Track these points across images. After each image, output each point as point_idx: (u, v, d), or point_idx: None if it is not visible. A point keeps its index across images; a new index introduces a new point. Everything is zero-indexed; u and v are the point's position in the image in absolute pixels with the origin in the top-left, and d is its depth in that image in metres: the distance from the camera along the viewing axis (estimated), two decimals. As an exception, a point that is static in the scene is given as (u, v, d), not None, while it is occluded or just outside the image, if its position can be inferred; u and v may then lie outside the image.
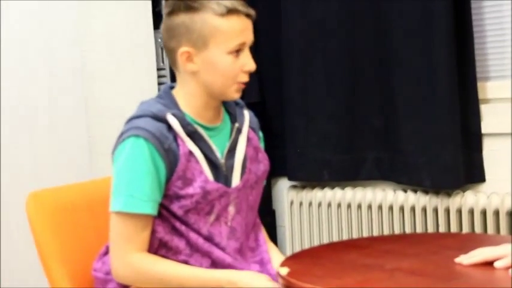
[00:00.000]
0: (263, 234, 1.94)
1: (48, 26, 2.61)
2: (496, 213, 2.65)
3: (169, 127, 1.74)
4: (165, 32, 1.79)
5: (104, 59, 2.74)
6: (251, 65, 1.78)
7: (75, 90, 2.67)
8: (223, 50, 1.74)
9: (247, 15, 1.77)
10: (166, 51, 1.81)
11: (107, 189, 1.77)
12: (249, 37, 1.78)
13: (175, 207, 1.74)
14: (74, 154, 2.67)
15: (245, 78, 1.79)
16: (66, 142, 2.65)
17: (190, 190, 1.72)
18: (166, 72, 2.94)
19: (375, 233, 2.89)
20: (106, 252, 1.84)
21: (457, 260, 1.65)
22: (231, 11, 1.73)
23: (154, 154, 1.71)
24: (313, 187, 3.07)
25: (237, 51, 1.75)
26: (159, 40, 2.94)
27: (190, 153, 1.74)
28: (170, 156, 1.72)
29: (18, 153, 2.54)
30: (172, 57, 1.80)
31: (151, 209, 1.72)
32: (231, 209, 1.80)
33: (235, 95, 1.81)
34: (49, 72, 2.62)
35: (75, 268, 1.89)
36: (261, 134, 1.96)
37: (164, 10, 1.80)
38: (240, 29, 1.75)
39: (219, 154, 1.79)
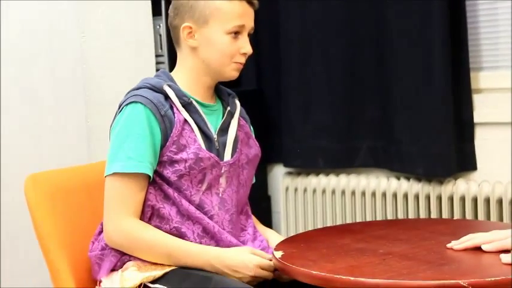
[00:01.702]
0: (253, 220, 1.97)
1: (48, 14, 2.62)
2: (487, 200, 2.68)
3: (166, 97, 1.81)
4: (171, 11, 1.88)
5: (103, 45, 2.74)
6: (248, 49, 1.85)
7: (74, 76, 2.68)
8: (222, 30, 1.82)
9: (249, 2, 1.85)
10: (171, 29, 1.89)
11: (103, 173, 1.80)
12: (248, 22, 1.85)
13: (169, 173, 1.78)
14: (73, 140, 2.68)
15: (242, 60, 1.87)
16: (65, 128, 2.66)
17: (184, 155, 1.78)
18: (165, 59, 2.95)
19: (368, 219, 2.92)
20: (101, 231, 1.86)
21: (449, 245, 1.68)
22: None
23: (151, 118, 1.77)
24: (308, 174, 3.10)
25: (236, 33, 1.83)
26: (158, 27, 2.96)
27: (185, 121, 1.81)
28: (166, 122, 1.78)
29: (17, 138, 2.55)
30: (175, 34, 1.88)
31: (147, 169, 1.76)
32: (222, 181, 1.85)
33: (233, 73, 1.88)
34: (49, 58, 2.62)
35: (73, 249, 1.91)
36: (252, 128, 2.00)
37: None
38: (240, 12, 1.83)
39: (212, 130, 1.85)
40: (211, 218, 1.82)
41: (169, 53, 2.93)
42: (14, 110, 2.55)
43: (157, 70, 2.88)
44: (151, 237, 1.77)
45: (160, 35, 2.96)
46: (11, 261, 2.51)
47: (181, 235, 1.79)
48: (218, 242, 1.81)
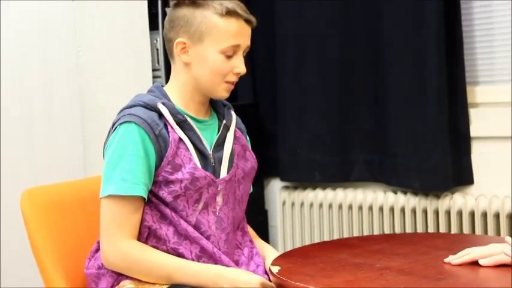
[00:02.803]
0: (249, 237, 1.96)
1: (45, 26, 2.62)
2: (484, 214, 2.69)
3: (160, 116, 1.79)
4: (167, 23, 1.86)
5: (100, 59, 2.75)
6: (241, 69, 1.83)
7: (70, 89, 2.68)
8: (216, 48, 1.79)
9: (247, 21, 1.82)
10: (166, 42, 1.87)
11: (99, 187, 1.79)
12: (244, 41, 1.82)
13: (165, 194, 1.76)
14: (69, 153, 2.68)
15: (234, 79, 1.84)
16: (61, 141, 2.66)
17: (179, 175, 1.76)
18: (161, 73, 2.96)
19: (365, 233, 2.92)
20: (97, 249, 1.85)
21: (446, 259, 1.68)
22: (230, 13, 1.78)
23: (145, 139, 1.75)
24: (305, 188, 3.10)
25: (230, 52, 1.80)
26: (155, 41, 2.97)
27: (180, 140, 1.78)
28: (160, 142, 1.76)
29: (13, 151, 2.54)
30: (169, 48, 1.86)
31: (142, 191, 1.75)
32: (219, 199, 1.83)
33: (223, 93, 1.85)
34: (45, 72, 2.62)
35: (68, 264, 1.90)
36: (248, 138, 1.99)
37: (171, 3, 1.87)
38: (236, 32, 1.80)
39: (208, 146, 1.83)
40: (207, 238, 1.80)
41: (166, 67, 2.93)
42: (10, 122, 2.54)
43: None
44: (150, 258, 1.75)
45: (157, 49, 2.97)
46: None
47: (178, 255, 1.77)
48: (216, 261, 1.79)
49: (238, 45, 1.81)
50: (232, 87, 1.85)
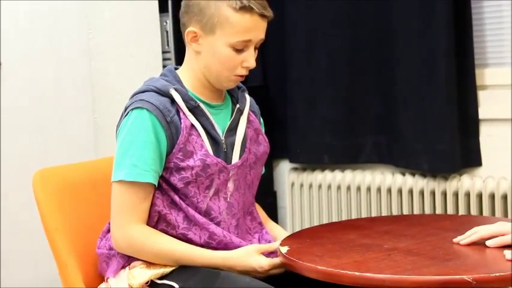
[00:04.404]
0: (260, 218, 1.96)
1: (56, 10, 2.63)
2: (492, 196, 2.69)
3: (173, 101, 1.78)
4: (183, 5, 1.83)
5: (110, 41, 2.76)
6: (251, 63, 1.80)
7: (81, 72, 2.69)
8: (226, 42, 1.77)
9: (262, 15, 1.79)
10: (181, 24, 1.85)
11: (110, 168, 1.80)
12: (257, 36, 1.79)
13: (176, 180, 1.77)
14: (80, 135, 2.70)
15: (243, 72, 1.82)
16: (72, 123, 2.68)
17: (190, 162, 1.76)
18: (171, 55, 2.97)
19: (374, 215, 2.93)
20: (109, 230, 1.86)
21: (455, 240, 1.69)
22: (244, 8, 1.75)
23: (156, 125, 1.75)
24: (313, 169, 3.11)
25: (241, 46, 1.78)
26: (164, 24, 2.97)
27: (192, 126, 1.78)
28: (172, 129, 1.76)
29: (25, 133, 2.56)
30: (183, 31, 1.84)
31: (152, 178, 1.75)
32: (230, 185, 1.83)
33: (230, 84, 1.84)
34: (56, 54, 2.64)
35: (80, 244, 1.92)
36: (262, 120, 1.99)
37: None
38: (248, 27, 1.77)
39: (220, 131, 1.83)
40: (218, 224, 1.80)
41: (176, 49, 2.94)
42: (22, 105, 2.56)
43: (164, 66, 2.91)
44: (158, 244, 1.77)
45: (167, 32, 2.98)
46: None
47: (187, 241, 1.79)
48: (227, 244, 1.80)
49: (250, 40, 1.78)
50: (241, 79, 1.84)
